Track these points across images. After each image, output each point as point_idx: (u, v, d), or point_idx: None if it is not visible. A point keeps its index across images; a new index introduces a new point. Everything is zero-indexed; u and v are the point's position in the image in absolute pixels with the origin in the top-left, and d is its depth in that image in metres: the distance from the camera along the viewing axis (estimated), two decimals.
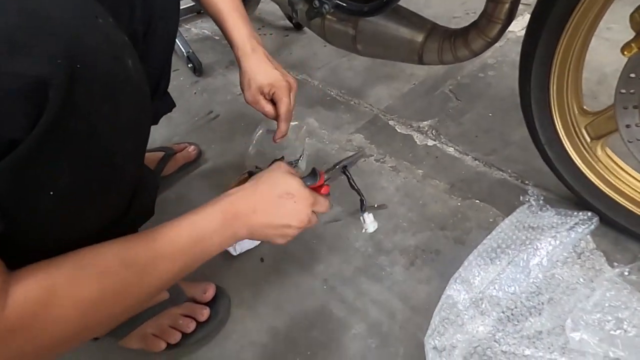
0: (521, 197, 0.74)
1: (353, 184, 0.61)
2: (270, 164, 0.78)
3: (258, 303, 0.66)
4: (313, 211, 0.52)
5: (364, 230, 0.64)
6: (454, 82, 1.09)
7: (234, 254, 0.72)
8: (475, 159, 0.87)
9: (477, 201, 0.78)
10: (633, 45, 0.44)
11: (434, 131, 0.95)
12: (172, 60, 0.69)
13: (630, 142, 0.56)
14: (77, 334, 0.35)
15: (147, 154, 0.89)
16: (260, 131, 0.81)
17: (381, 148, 0.93)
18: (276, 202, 0.48)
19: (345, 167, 0.61)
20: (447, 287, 0.61)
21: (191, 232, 0.43)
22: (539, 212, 0.70)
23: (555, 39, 0.56)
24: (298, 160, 0.83)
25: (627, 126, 0.55)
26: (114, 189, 0.41)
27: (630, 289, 0.56)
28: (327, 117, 1.04)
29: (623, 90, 0.52)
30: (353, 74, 1.18)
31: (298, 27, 1.42)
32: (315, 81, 1.17)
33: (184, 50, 1.25)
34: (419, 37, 0.74)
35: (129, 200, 0.45)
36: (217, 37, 1.45)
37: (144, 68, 0.43)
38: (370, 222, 0.63)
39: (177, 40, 1.27)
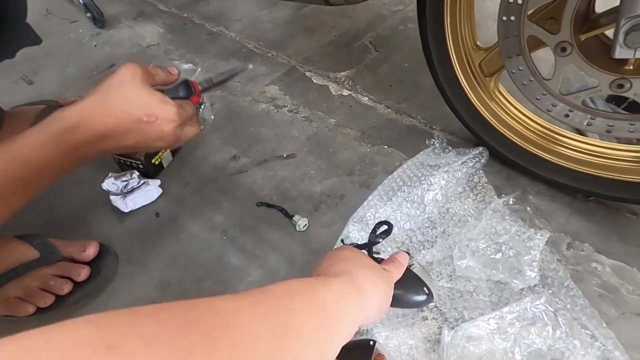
0: (427, 141, 0.75)
1: None
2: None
3: (149, 259, 0.61)
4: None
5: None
6: (374, 34, 1.07)
7: (125, 210, 0.66)
8: (388, 107, 0.86)
9: (385, 147, 0.77)
10: None
11: (350, 81, 0.93)
12: None
13: (513, 72, 0.56)
14: None
15: (24, 107, 0.80)
16: None
17: (295, 99, 0.89)
18: (135, 128, 0.43)
19: (222, 81, 0.61)
20: (345, 227, 0.60)
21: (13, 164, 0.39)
22: (441, 154, 0.71)
23: None
24: (198, 109, 0.77)
25: (510, 57, 0.55)
26: None
27: (512, 216, 0.58)
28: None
29: (504, 18, 0.52)
30: (273, 26, 1.12)
31: None
32: (232, 33, 1.09)
33: None
34: None
35: None
36: None
37: None
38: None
39: None
